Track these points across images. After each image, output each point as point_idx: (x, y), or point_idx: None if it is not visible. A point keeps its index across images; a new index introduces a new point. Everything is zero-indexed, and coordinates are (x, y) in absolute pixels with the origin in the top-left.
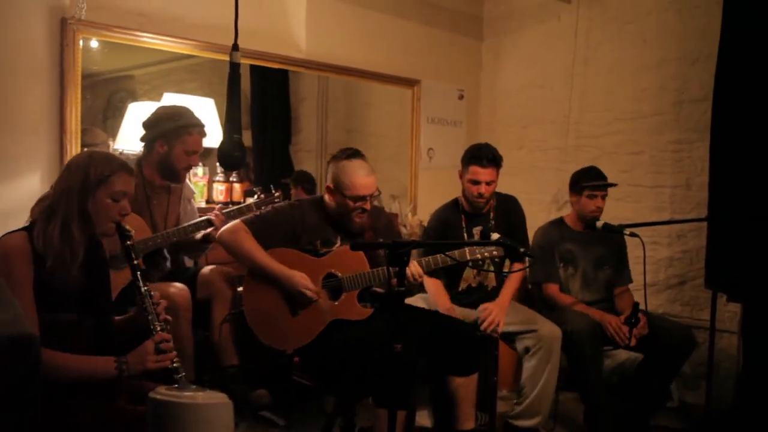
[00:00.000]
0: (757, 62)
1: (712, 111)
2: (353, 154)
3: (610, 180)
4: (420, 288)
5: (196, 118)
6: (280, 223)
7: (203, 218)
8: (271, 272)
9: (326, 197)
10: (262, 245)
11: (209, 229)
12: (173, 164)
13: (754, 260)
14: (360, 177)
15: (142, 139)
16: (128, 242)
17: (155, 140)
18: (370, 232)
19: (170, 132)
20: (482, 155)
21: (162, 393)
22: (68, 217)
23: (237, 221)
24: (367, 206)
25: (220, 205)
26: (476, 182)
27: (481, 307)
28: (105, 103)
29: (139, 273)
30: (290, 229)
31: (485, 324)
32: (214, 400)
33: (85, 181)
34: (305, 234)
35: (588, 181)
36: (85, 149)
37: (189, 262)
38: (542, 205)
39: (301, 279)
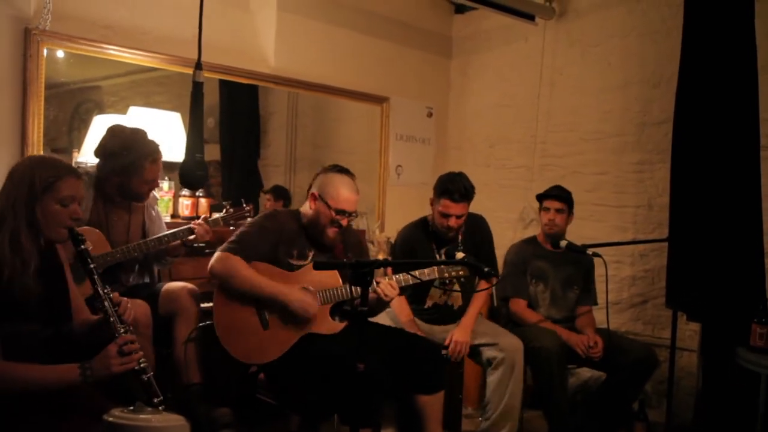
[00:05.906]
0: (715, 86)
1: (673, 133)
2: (345, 170)
3: (575, 200)
4: (386, 305)
5: (149, 145)
6: (261, 237)
7: (185, 227)
8: (270, 295)
9: (307, 205)
10: (249, 262)
11: (190, 237)
12: (132, 191)
13: (712, 280)
14: (346, 191)
15: (98, 167)
16: (82, 246)
17: (110, 172)
18: (340, 245)
19: (123, 169)
20: (455, 190)
21: (116, 416)
22: (17, 228)
23: (219, 252)
24: (344, 222)
25: (204, 215)
26: (447, 215)
27: (448, 338)
28: (71, 114)
29: (96, 276)
30: (271, 240)
31: (453, 356)
32: (170, 423)
33: (30, 189)
34: (282, 244)
35: (542, 195)
36: (27, 156)
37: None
38: (509, 223)
39: (301, 297)
